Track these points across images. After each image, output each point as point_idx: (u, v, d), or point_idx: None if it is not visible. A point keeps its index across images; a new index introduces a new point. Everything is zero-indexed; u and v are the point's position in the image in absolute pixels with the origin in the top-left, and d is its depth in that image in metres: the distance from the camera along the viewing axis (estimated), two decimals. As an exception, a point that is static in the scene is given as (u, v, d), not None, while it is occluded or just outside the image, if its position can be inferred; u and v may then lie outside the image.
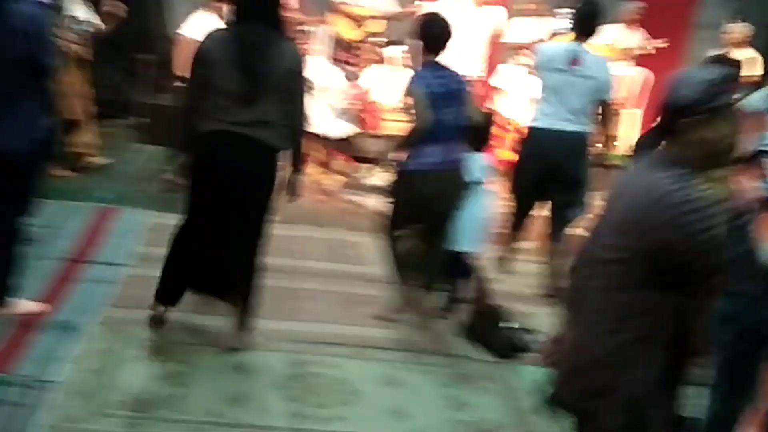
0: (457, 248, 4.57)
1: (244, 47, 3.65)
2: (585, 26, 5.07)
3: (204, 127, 3.71)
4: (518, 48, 8.34)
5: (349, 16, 8.05)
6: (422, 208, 4.35)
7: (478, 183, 4.54)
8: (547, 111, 5.06)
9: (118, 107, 7.83)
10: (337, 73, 7.29)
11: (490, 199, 4.72)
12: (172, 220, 3.96)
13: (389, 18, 8.25)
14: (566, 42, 5.26)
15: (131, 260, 4.90)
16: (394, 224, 4.49)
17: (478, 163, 4.53)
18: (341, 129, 6.98)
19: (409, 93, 4.23)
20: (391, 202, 4.47)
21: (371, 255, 5.18)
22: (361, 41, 8.21)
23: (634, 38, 8.83)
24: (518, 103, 7.36)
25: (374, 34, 8.24)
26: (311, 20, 8.06)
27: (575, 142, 5.05)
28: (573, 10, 5.23)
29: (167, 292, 4.00)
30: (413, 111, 4.20)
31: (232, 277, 3.98)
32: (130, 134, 7.60)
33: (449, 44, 4.33)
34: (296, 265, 5.19)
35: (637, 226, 2.12)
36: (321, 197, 6.60)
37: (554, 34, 7.64)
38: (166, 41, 8.61)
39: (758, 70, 8.45)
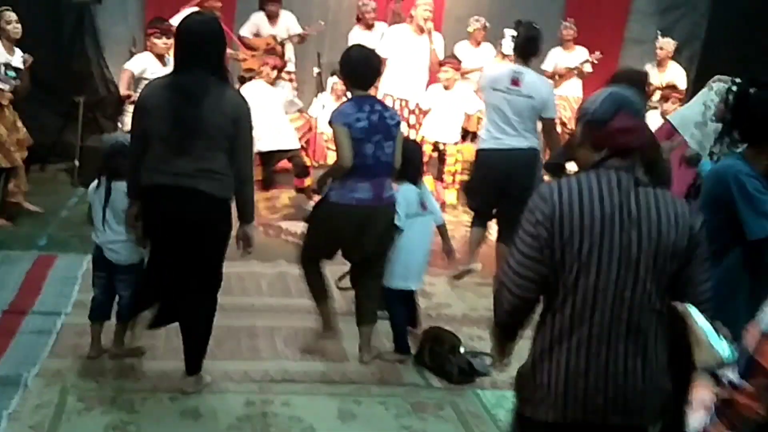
0: (397, 285, 4.46)
1: (178, 95, 3.57)
2: (525, 49, 5.38)
3: (146, 179, 3.64)
4: (467, 72, 8.48)
5: (250, 48, 8.23)
6: (342, 242, 4.27)
7: (416, 215, 4.44)
8: (492, 131, 5.33)
9: (53, 151, 7.72)
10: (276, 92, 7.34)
11: (427, 231, 4.59)
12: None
13: (297, 41, 8.38)
14: (508, 64, 5.46)
15: (68, 308, 4.75)
16: (310, 254, 4.40)
17: (412, 196, 4.44)
18: (282, 142, 6.91)
19: (331, 127, 4.20)
20: (309, 232, 4.39)
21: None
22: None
23: (575, 57, 9.01)
24: (442, 123, 7.42)
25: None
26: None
27: (522, 158, 5.30)
28: (514, 34, 5.44)
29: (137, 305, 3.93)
30: (335, 146, 4.20)
31: (184, 319, 3.87)
32: (64, 177, 7.47)
33: (375, 78, 4.31)
34: (246, 302, 5.08)
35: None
36: (263, 228, 6.51)
37: (504, 56, 7.83)
38: (101, 83, 8.55)
39: (683, 83, 8.69)
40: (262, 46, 8.28)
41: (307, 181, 7.39)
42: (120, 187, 3.94)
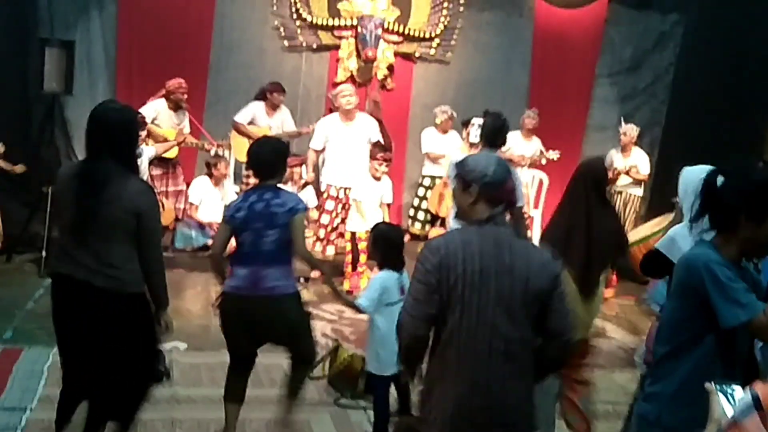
0: (374, 370, 4.40)
1: (81, 184, 3.50)
2: (492, 138, 5.40)
3: (53, 268, 3.62)
4: (435, 158, 8.62)
5: (248, 136, 8.13)
6: (238, 332, 4.17)
7: (396, 302, 4.25)
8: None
9: (20, 241, 7.67)
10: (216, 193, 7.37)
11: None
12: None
13: (287, 137, 8.36)
14: (476, 153, 5.47)
15: (34, 403, 4.62)
16: (229, 348, 4.30)
17: (391, 283, 4.36)
18: None
19: None
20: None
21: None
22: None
23: (531, 146, 9.18)
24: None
25: None
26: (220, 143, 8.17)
27: None
28: (480, 122, 5.48)
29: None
30: None
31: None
32: (31, 268, 7.40)
33: (270, 169, 4.22)
34: (216, 393, 4.95)
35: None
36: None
37: (471, 145, 7.93)
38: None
39: (647, 168, 8.92)
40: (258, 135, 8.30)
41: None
42: None
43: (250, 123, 8.32)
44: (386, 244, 4.41)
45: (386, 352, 4.27)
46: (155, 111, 7.94)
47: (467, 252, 2.71)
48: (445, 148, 8.63)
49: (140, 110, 7.69)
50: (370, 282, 4.53)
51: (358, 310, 4.43)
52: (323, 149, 7.65)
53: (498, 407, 2.74)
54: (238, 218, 4.09)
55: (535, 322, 2.76)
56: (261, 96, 8.42)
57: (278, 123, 8.43)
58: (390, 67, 9.77)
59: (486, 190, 2.80)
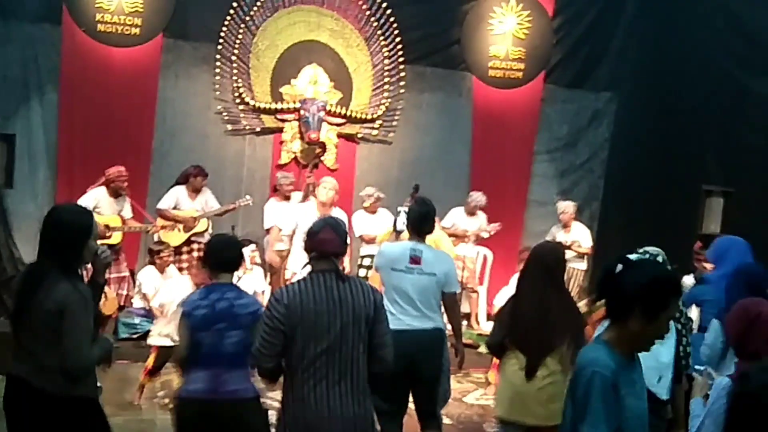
0: None
1: (21, 284, 3.51)
2: (419, 226, 5.23)
3: (8, 367, 3.52)
4: (369, 240, 8.65)
5: (174, 221, 8.35)
6: None
7: None
8: (395, 312, 4.93)
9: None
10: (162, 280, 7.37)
11: None
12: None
13: (214, 215, 8.51)
14: (405, 241, 5.40)
15: None
16: None
17: None
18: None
19: None
20: None
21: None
22: (184, 244, 8.42)
23: (474, 222, 9.31)
24: None
25: (199, 234, 8.39)
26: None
27: (429, 340, 5.04)
28: (406, 209, 5.44)
29: None
30: None
31: None
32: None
33: (231, 264, 4.16)
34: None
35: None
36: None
37: (397, 233, 7.98)
38: (9, 263, 8.39)
39: (589, 242, 9.11)
40: (187, 220, 8.37)
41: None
42: None
43: (174, 207, 8.48)
44: None
45: None
46: (95, 200, 7.89)
47: (303, 298, 3.47)
48: (376, 229, 8.65)
49: (80, 200, 7.67)
50: None
51: None
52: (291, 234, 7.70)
53: (346, 418, 3.44)
54: (197, 316, 3.93)
55: (364, 341, 3.51)
56: (183, 180, 8.57)
57: (202, 205, 8.60)
58: (324, 147, 9.82)
59: (305, 239, 3.66)
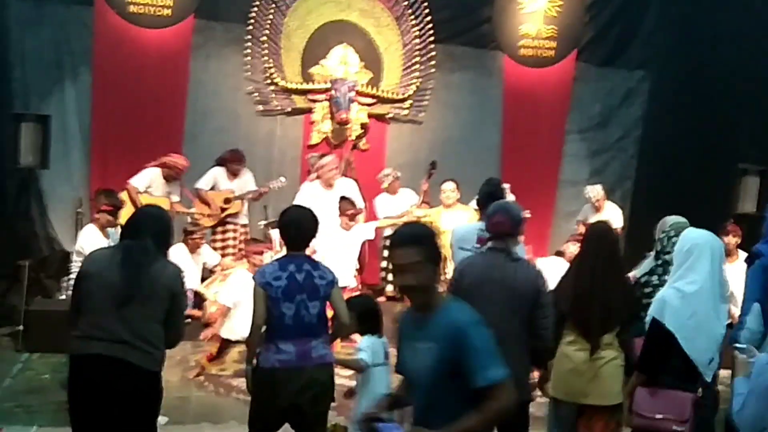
0: None
1: (124, 262, 3.70)
2: (487, 204, 5.08)
3: (78, 350, 3.71)
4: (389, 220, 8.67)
5: (207, 204, 8.48)
6: (278, 409, 4.09)
7: (382, 365, 4.48)
8: None
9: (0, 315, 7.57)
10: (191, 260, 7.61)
11: (387, 381, 4.49)
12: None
13: (249, 199, 8.54)
14: (475, 222, 5.48)
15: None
16: (253, 424, 4.20)
17: (378, 346, 4.52)
18: None
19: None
20: (251, 402, 4.26)
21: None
22: (217, 224, 8.48)
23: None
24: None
25: (233, 215, 8.45)
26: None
27: None
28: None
29: None
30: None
31: None
32: (8, 343, 7.26)
33: (306, 239, 4.27)
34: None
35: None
36: (213, 386, 6.40)
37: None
38: (45, 243, 8.52)
39: (620, 222, 9.04)
40: (218, 201, 8.45)
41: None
42: None
43: (213, 188, 8.56)
44: (363, 315, 4.54)
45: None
46: (149, 179, 8.09)
47: (476, 269, 4.28)
48: (399, 208, 8.66)
49: (133, 178, 7.86)
50: (361, 344, 4.60)
51: (356, 367, 4.50)
52: None
53: None
54: (276, 287, 4.06)
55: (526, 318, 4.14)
56: (221, 162, 8.63)
57: (241, 186, 8.66)
58: (364, 126, 9.89)
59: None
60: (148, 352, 3.65)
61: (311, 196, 7.80)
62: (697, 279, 3.92)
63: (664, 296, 3.98)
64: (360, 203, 7.98)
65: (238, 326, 6.22)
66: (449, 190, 8.12)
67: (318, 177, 8.26)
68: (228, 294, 6.63)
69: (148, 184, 8.03)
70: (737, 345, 3.64)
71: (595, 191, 9.10)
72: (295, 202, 7.68)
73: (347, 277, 7.35)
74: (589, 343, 4.26)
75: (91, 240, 6.61)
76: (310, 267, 4.17)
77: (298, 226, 4.25)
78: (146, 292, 3.64)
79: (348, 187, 7.93)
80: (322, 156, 8.75)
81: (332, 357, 4.25)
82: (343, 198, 7.56)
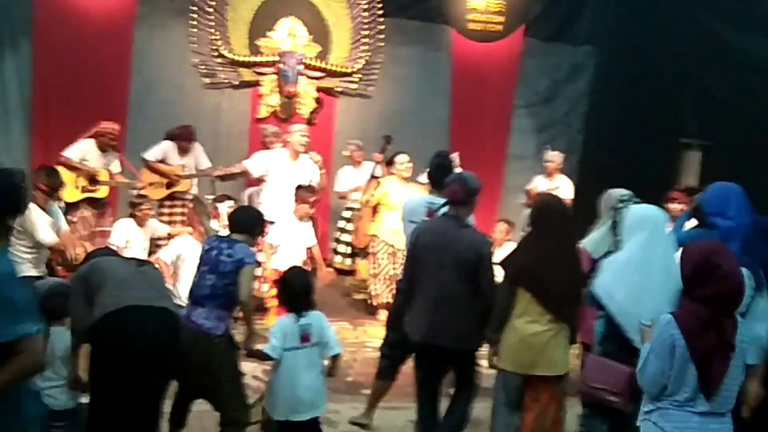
0: (283, 417, 4.31)
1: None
2: (439, 178, 5.16)
3: (110, 305, 3.76)
4: (343, 195, 8.62)
5: (160, 174, 8.13)
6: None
7: (296, 348, 4.33)
8: None
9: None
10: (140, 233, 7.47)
11: (312, 363, 4.39)
12: None
13: (202, 176, 8.32)
14: (424, 194, 5.54)
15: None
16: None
17: (290, 329, 4.34)
18: None
19: None
20: None
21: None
22: (166, 198, 8.24)
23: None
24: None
25: (181, 192, 8.25)
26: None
27: None
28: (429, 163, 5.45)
29: None
30: None
31: None
32: None
33: (243, 228, 4.67)
34: None
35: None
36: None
37: (374, 178, 8.00)
38: None
39: (571, 194, 9.13)
40: (171, 177, 8.20)
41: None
42: (58, 331, 3.95)
43: (161, 161, 8.19)
44: (289, 291, 4.43)
45: (286, 398, 4.28)
46: (82, 151, 7.70)
47: (428, 235, 4.63)
48: (362, 180, 8.58)
49: (67, 149, 7.58)
50: (272, 329, 4.46)
51: (264, 358, 4.40)
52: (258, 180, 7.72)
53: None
54: (204, 259, 4.58)
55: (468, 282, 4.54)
56: (171, 137, 8.29)
57: (191, 161, 8.32)
58: (318, 101, 9.82)
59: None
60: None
61: (278, 163, 7.64)
62: (630, 247, 3.99)
63: (600, 265, 4.06)
64: (317, 178, 7.81)
65: (180, 289, 6.27)
66: (406, 161, 7.91)
67: (284, 145, 8.02)
68: (168, 252, 6.62)
69: (82, 156, 7.66)
70: (642, 321, 3.66)
71: (552, 155, 9.13)
72: (261, 164, 7.67)
73: (299, 255, 7.33)
74: (547, 315, 4.29)
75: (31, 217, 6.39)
76: (225, 246, 4.52)
77: (237, 217, 4.80)
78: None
79: (312, 167, 7.79)
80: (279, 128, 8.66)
81: (214, 329, 4.39)
82: (300, 187, 7.42)
